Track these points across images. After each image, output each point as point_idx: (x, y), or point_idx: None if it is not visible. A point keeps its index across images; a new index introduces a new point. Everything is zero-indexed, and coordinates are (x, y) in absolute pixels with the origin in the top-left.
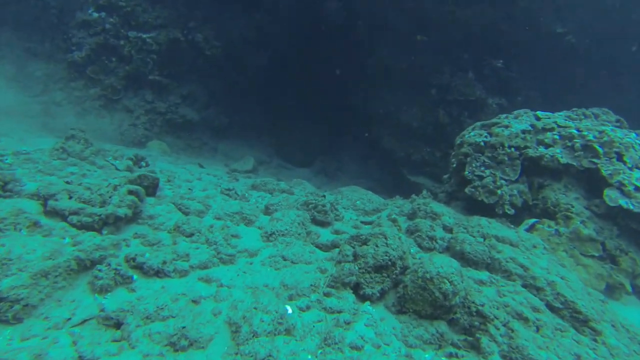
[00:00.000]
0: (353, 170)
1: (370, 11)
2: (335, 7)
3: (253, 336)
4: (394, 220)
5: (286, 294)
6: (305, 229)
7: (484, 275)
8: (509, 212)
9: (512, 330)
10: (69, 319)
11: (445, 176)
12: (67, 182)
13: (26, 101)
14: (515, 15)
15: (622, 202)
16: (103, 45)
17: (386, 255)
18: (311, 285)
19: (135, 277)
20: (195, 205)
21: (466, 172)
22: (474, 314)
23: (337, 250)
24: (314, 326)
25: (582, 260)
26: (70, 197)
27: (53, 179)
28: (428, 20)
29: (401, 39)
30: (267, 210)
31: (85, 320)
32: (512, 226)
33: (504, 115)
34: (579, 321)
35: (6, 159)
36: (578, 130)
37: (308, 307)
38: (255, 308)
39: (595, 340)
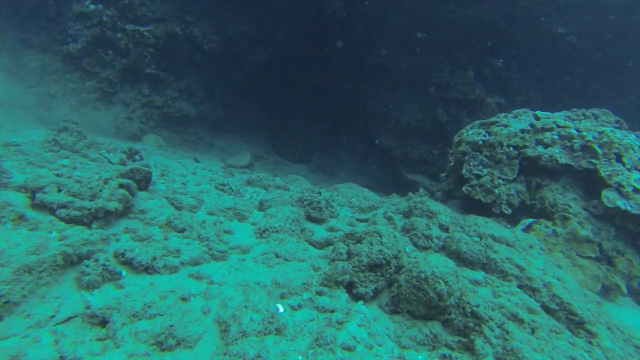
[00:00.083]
0: (351, 168)
1: (370, 10)
2: (336, 6)
3: (242, 336)
4: (389, 218)
5: (278, 292)
6: (300, 225)
7: (479, 275)
8: (506, 212)
9: (507, 332)
10: (53, 316)
11: (443, 174)
12: (57, 175)
13: (20, 92)
14: (516, 15)
15: (620, 203)
16: (100, 38)
17: (380, 254)
18: (304, 283)
19: (124, 273)
20: (188, 200)
21: (464, 171)
22: (469, 314)
23: (331, 248)
24: (305, 326)
25: (578, 261)
26: (60, 190)
27: (43, 171)
28: (428, 20)
29: (401, 38)
30: (261, 206)
31: (69, 318)
32: (509, 226)
33: (503, 114)
34: (575, 323)
35: None
36: (577, 130)
37: (300, 306)
38: (245, 307)
39: (591, 343)
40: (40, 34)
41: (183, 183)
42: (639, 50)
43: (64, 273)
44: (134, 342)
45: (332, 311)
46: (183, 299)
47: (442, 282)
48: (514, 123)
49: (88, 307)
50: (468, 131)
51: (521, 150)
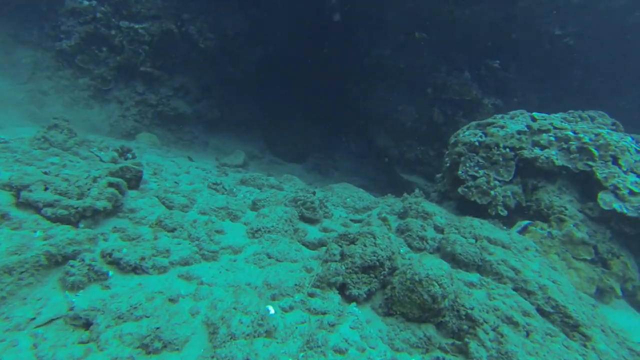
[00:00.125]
0: (347, 168)
1: (369, 10)
2: (334, 6)
3: (231, 338)
4: (384, 219)
5: (269, 294)
6: (293, 226)
7: (474, 277)
8: (501, 214)
9: (502, 335)
10: (33, 318)
11: (438, 175)
12: (45, 173)
13: (11, 89)
14: (515, 15)
15: (616, 205)
16: (93, 35)
17: (374, 255)
18: (295, 284)
19: (110, 273)
20: (179, 199)
21: (460, 172)
22: (463, 317)
23: (324, 248)
24: (296, 328)
25: (573, 264)
26: (47, 189)
27: (30, 169)
28: (427, 20)
29: (399, 38)
30: (254, 206)
31: (51, 320)
32: (505, 228)
33: (500, 116)
34: (570, 326)
35: None
36: (574, 132)
37: (291, 308)
38: (235, 308)
39: (585, 346)
40: (32, 30)
41: (175, 182)
42: (638, 51)
43: (48, 274)
44: (118, 345)
45: (324, 313)
46: (171, 300)
47: (436, 284)
48: (511, 124)
49: (72, 309)
50: (464, 132)
51: (517, 152)
